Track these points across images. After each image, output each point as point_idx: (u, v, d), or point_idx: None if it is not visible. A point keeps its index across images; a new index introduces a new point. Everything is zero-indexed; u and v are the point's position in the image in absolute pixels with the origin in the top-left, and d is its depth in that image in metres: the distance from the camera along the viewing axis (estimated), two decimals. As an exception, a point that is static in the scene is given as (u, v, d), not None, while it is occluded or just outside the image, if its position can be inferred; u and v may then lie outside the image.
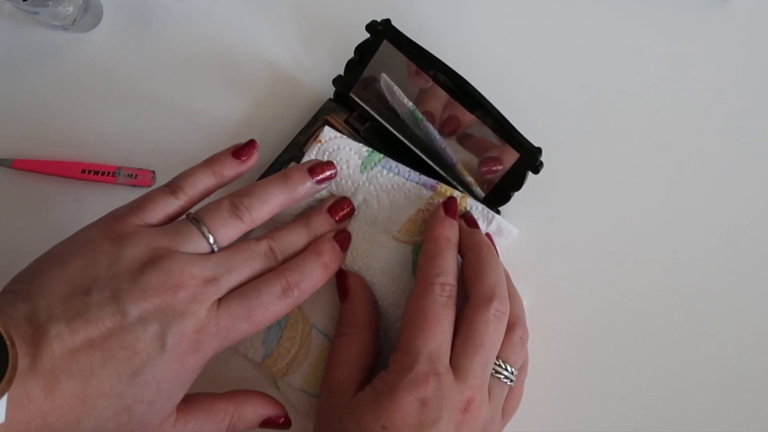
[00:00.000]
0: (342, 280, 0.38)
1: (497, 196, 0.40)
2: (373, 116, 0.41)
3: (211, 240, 0.32)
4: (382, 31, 0.38)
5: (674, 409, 0.42)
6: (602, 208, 0.44)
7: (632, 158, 0.45)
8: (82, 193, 0.42)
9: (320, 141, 0.39)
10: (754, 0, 0.46)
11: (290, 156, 0.41)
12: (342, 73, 0.41)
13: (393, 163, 0.39)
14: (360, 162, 0.39)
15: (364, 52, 0.39)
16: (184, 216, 0.33)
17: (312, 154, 0.39)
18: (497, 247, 0.40)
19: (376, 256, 0.39)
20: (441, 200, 0.38)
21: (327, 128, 0.39)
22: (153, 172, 0.42)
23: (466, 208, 0.39)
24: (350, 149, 0.39)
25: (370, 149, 0.39)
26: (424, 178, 0.39)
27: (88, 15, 0.43)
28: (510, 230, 0.40)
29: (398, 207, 0.39)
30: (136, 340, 0.28)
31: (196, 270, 0.30)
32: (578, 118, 0.45)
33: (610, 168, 0.45)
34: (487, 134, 0.38)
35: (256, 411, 0.34)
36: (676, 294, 0.43)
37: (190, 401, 0.31)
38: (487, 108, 0.37)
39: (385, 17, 0.38)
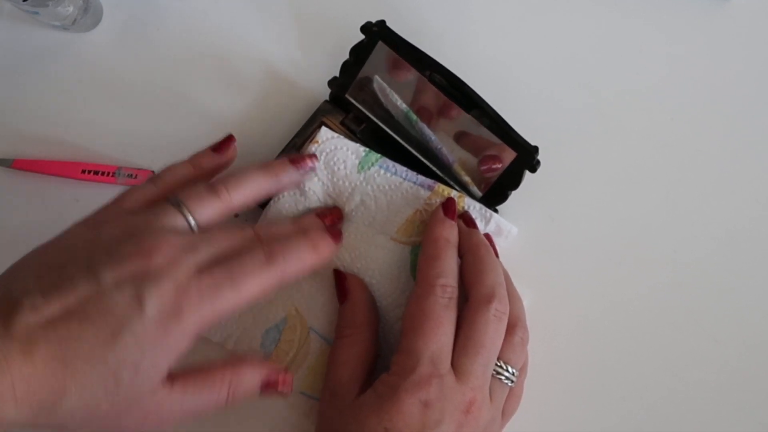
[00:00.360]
0: (341, 281, 0.38)
1: (495, 195, 0.40)
2: (369, 117, 0.41)
3: (189, 217, 0.32)
4: (376, 32, 0.38)
5: (674, 409, 0.42)
6: (602, 207, 0.44)
7: (632, 158, 0.45)
8: (82, 193, 0.42)
9: (317, 141, 0.39)
10: (754, 0, 0.46)
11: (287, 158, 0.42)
12: (338, 75, 0.41)
13: (390, 163, 0.39)
14: (357, 162, 0.39)
15: (359, 54, 0.39)
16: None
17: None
18: (497, 247, 0.40)
19: (374, 257, 0.39)
20: (439, 200, 0.38)
21: (324, 129, 0.39)
22: (152, 172, 0.42)
23: (463, 207, 0.39)
24: (347, 149, 0.39)
25: (367, 149, 0.39)
26: (421, 178, 0.39)
27: (88, 15, 0.43)
28: (509, 229, 0.40)
29: (396, 208, 0.39)
30: (114, 304, 0.27)
31: (172, 237, 0.30)
32: (578, 118, 0.45)
33: (609, 168, 0.45)
34: (484, 134, 0.38)
35: (253, 375, 0.32)
36: (676, 294, 0.43)
37: (186, 372, 0.31)
38: (483, 107, 0.37)
39: (382, 18, 0.38)
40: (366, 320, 0.37)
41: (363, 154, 0.39)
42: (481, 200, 0.40)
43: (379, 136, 0.42)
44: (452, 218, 0.37)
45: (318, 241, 0.34)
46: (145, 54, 0.45)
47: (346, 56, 0.40)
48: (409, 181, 0.39)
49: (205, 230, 0.32)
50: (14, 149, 0.43)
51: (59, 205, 0.42)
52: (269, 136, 0.43)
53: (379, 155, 0.39)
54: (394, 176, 0.39)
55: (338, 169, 0.39)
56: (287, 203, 0.39)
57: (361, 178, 0.39)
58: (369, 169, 0.38)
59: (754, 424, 0.42)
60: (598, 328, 0.43)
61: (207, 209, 0.32)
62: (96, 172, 0.42)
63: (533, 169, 0.38)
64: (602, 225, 0.44)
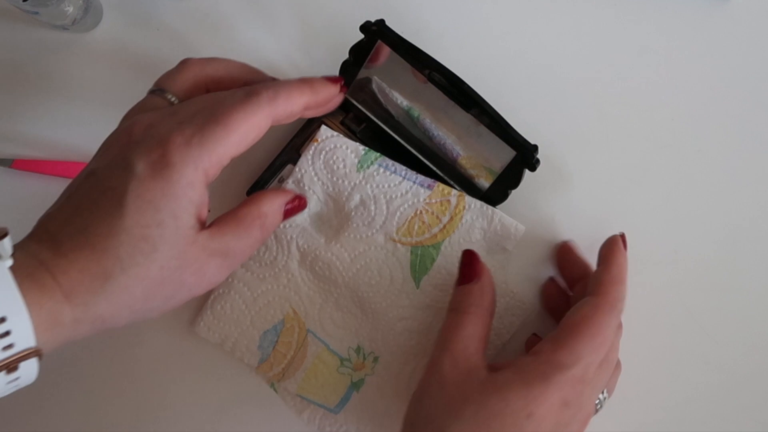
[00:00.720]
0: (475, 262, 0.37)
1: (495, 194, 0.40)
2: (369, 117, 0.41)
3: (167, 94, 0.34)
4: (376, 32, 0.38)
5: (674, 409, 0.42)
6: (602, 207, 0.44)
7: (632, 158, 0.45)
8: (81, 192, 0.42)
9: (317, 140, 0.39)
10: (754, 0, 0.46)
11: (287, 158, 0.42)
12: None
13: (389, 162, 0.39)
14: (356, 161, 0.39)
15: (358, 53, 0.39)
16: None
17: (309, 154, 0.40)
18: (508, 251, 0.40)
19: (373, 257, 0.39)
20: (439, 199, 0.38)
21: (324, 127, 0.39)
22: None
23: (464, 207, 0.39)
24: (347, 148, 0.39)
25: (367, 148, 0.39)
26: (421, 178, 0.39)
27: (88, 15, 0.43)
28: (515, 227, 0.40)
29: (395, 208, 0.39)
30: (110, 181, 0.29)
31: (150, 112, 0.32)
32: (578, 118, 0.45)
33: (610, 167, 0.45)
34: (484, 133, 0.38)
35: (274, 207, 0.34)
36: (676, 294, 0.43)
37: (217, 221, 0.32)
38: (483, 106, 0.37)
39: (381, 18, 0.38)
40: (492, 305, 0.37)
41: (362, 152, 0.39)
42: (482, 198, 0.40)
43: (379, 136, 0.42)
44: (625, 249, 0.38)
45: (316, 83, 0.34)
46: (145, 54, 0.45)
47: (346, 56, 0.40)
48: (408, 180, 0.39)
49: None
50: (14, 149, 0.43)
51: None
52: (269, 135, 0.43)
53: (378, 154, 0.39)
54: (393, 175, 0.39)
55: (338, 168, 0.39)
56: None
57: (361, 177, 0.39)
58: (368, 167, 0.39)
59: (754, 424, 0.42)
60: (598, 328, 0.42)
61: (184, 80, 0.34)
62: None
63: (533, 168, 0.38)
64: (602, 225, 0.44)
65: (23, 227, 0.42)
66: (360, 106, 0.41)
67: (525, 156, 0.37)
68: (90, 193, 0.29)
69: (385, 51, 0.38)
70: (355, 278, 0.40)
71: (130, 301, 0.29)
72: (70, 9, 0.41)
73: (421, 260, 0.39)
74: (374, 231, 0.39)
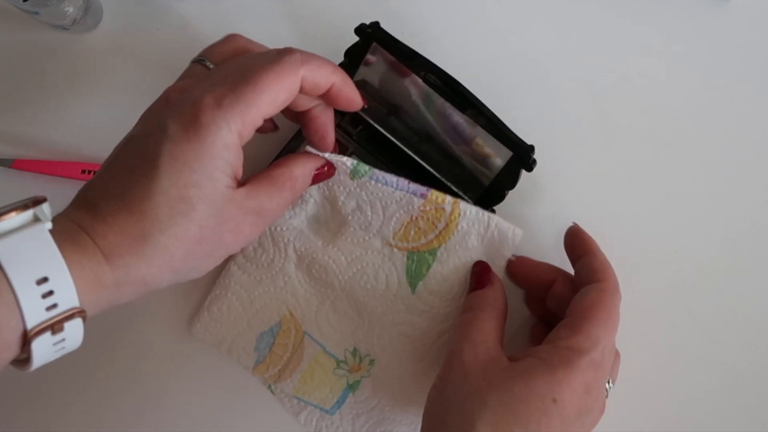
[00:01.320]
0: (488, 270, 0.38)
1: (492, 195, 0.40)
2: (365, 119, 0.41)
3: (207, 62, 0.34)
4: (371, 34, 0.38)
5: (674, 409, 0.42)
6: (602, 208, 0.44)
7: (632, 158, 0.45)
8: (81, 192, 0.42)
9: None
10: (754, 0, 0.46)
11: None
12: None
13: (380, 174, 0.38)
14: (349, 171, 0.38)
15: (353, 56, 0.39)
16: None
17: None
18: (507, 258, 0.39)
19: (370, 261, 0.39)
20: (433, 207, 0.38)
21: (309, 147, 0.38)
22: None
23: (459, 214, 0.38)
24: (337, 161, 0.38)
25: (356, 161, 0.38)
26: (413, 186, 0.38)
27: (88, 15, 0.43)
28: (513, 232, 0.39)
29: (391, 213, 0.39)
30: (146, 144, 0.29)
31: (187, 79, 0.32)
32: (578, 118, 0.45)
33: (609, 168, 0.45)
34: (480, 133, 0.38)
35: (305, 170, 0.35)
36: (676, 294, 0.43)
37: (251, 179, 0.32)
38: (479, 107, 0.37)
39: (376, 20, 0.38)
40: (505, 308, 0.37)
41: (352, 166, 0.38)
42: (478, 201, 0.40)
43: (375, 138, 0.42)
44: None
45: (348, 78, 0.34)
46: (145, 54, 0.45)
47: (341, 58, 0.40)
48: (400, 190, 0.38)
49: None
50: (14, 149, 0.43)
51: (59, 206, 0.42)
52: (265, 138, 0.43)
53: (368, 167, 0.38)
54: (385, 186, 0.38)
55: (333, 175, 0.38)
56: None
57: (355, 185, 0.38)
58: (360, 178, 0.38)
59: (754, 424, 0.42)
60: (598, 328, 0.42)
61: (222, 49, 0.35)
62: (96, 172, 0.42)
63: (529, 169, 0.38)
64: (602, 225, 0.44)
65: (23, 227, 0.42)
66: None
67: (522, 156, 0.37)
68: (126, 158, 0.29)
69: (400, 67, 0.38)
70: (352, 281, 0.40)
71: (171, 261, 0.29)
72: (70, 9, 0.41)
73: (417, 265, 0.39)
74: (371, 235, 0.39)
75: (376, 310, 0.39)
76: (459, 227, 0.38)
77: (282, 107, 0.31)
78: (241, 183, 0.31)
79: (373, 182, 0.38)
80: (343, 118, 0.42)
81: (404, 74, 0.39)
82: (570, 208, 0.44)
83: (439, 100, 0.38)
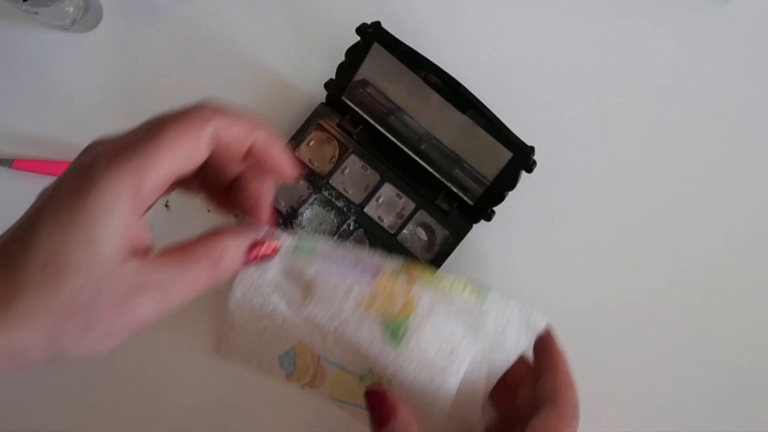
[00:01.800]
0: (384, 402, 0.35)
1: (492, 196, 0.40)
2: (365, 119, 0.41)
3: None
4: (372, 34, 0.37)
5: (675, 409, 0.42)
6: (602, 208, 0.44)
7: (632, 158, 0.45)
8: (81, 192, 0.42)
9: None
10: (754, 0, 0.46)
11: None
12: (334, 77, 0.41)
13: (326, 252, 0.36)
14: (291, 251, 0.35)
15: (354, 55, 0.39)
16: None
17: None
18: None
19: (346, 319, 0.38)
20: (387, 288, 0.37)
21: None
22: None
23: (416, 298, 0.37)
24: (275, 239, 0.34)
25: (298, 239, 0.35)
26: (360, 271, 0.37)
27: (88, 15, 0.43)
28: (537, 324, 0.37)
29: (348, 288, 0.37)
30: (39, 200, 0.26)
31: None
32: (578, 119, 0.45)
33: (610, 168, 0.45)
34: (480, 134, 0.37)
35: (232, 245, 0.29)
36: (676, 294, 0.43)
37: (163, 250, 0.27)
38: (479, 108, 0.37)
39: (378, 20, 0.38)
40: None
41: (294, 244, 0.35)
42: (478, 201, 0.40)
43: (376, 138, 0.42)
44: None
45: (270, 130, 0.29)
46: (144, 54, 0.45)
47: (342, 58, 0.40)
48: (347, 272, 0.37)
49: None
50: (14, 149, 0.43)
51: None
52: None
53: (312, 244, 0.36)
54: (333, 266, 0.37)
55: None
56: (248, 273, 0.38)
57: (302, 263, 0.37)
58: (307, 255, 0.36)
59: (754, 424, 0.42)
60: (599, 328, 0.42)
61: None
62: None
63: (529, 170, 0.37)
64: (603, 225, 0.44)
65: (23, 227, 0.42)
66: (357, 108, 0.41)
67: (522, 157, 0.37)
68: (22, 216, 0.27)
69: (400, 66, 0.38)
70: (336, 334, 0.38)
71: (42, 329, 0.25)
72: (70, 9, 0.41)
73: (392, 331, 0.37)
74: (339, 299, 0.37)
75: (367, 362, 0.38)
76: (421, 303, 0.36)
77: (189, 166, 0.27)
78: (142, 251, 0.27)
79: (320, 261, 0.37)
80: (343, 118, 0.42)
81: (405, 74, 0.39)
82: (570, 208, 0.44)
83: (440, 101, 0.38)
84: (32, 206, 0.27)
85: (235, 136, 0.28)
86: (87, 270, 0.25)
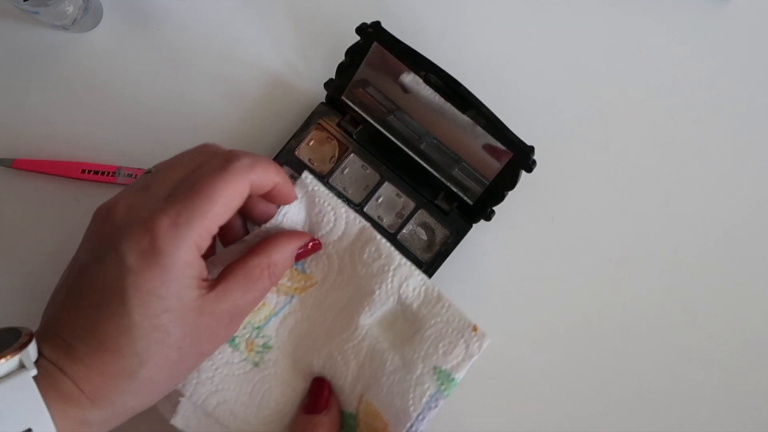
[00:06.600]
0: (321, 391, 0.36)
1: (492, 196, 0.40)
2: (365, 119, 0.41)
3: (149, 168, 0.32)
4: (372, 33, 0.37)
5: (674, 409, 0.42)
6: (602, 208, 0.44)
7: (632, 158, 0.45)
8: (82, 193, 0.42)
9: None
10: (754, 0, 0.46)
11: (283, 160, 0.42)
12: (334, 77, 0.41)
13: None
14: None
15: (354, 55, 0.39)
16: None
17: None
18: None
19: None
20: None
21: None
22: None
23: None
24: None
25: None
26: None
27: (88, 15, 0.43)
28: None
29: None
30: (103, 275, 0.28)
31: (125, 191, 0.30)
32: (578, 118, 0.45)
33: (609, 168, 0.45)
34: (480, 134, 0.37)
35: (286, 253, 0.33)
36: (676, 294, 0.43)
37: (223, 275, 0.31)
38: (479, 107, 0.37)
39: (377, 19, 0.38)
40: None
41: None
42: (478, 201, 0.40)
43: (376, 138, 0.42)
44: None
45: (283, 171, 0.33)
46: (144, 54, 0.45)
47: (342, 58, 0.40)
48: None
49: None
50: (14, 149, 0.43)
51: (59, 205, 0.42)
52: (265, 138, 0.43)
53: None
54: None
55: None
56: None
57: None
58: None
59: (754, 424, 0.42)
60: (598, 328, 0.43)
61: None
62: (96, 172, 0.42)
63: (529, 169, 0.37)
64: (603, 225, 0.44)
65: (23, 227, 0.42)
66: (357, 108, 0.41)
67: (521, 157, 0.37)
68: (88, 291, 0.28)
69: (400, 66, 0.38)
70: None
71: (155, 388, 0.29)
72: (70, 9, 0.41)
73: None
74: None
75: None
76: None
77: (235, 211, 0.30)
78: (209, 281, 0.30)
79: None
80: (343, 118, 0.42)
81: (405, 74, 0.39)
82: (570, 208, 0.44)
83: (440, 100, 0.38)
84: (79, 285, 0.29)
85: (265, 183, 0.31)
86: (184, 322, 0.29)
